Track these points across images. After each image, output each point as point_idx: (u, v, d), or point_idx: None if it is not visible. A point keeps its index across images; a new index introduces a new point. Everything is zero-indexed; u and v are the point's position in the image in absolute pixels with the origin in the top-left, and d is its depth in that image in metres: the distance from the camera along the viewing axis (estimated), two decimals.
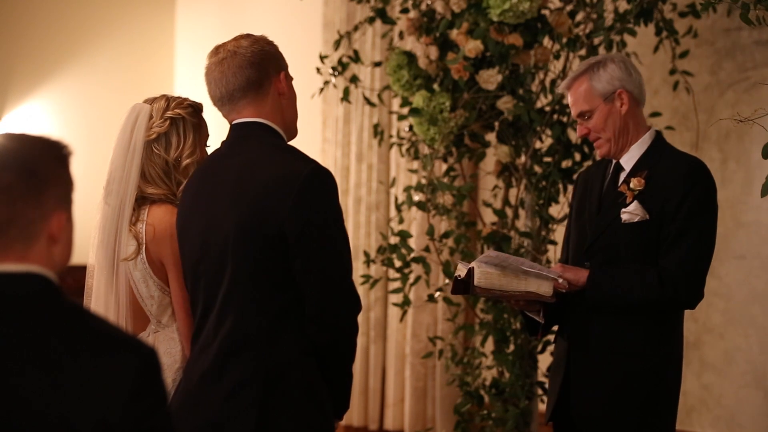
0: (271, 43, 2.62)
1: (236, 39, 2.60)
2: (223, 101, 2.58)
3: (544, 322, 3.14)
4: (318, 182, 2.44)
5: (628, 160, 3.09)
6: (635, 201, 3.00)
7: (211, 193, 2.54)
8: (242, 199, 2.46)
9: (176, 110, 2.79)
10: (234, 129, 2.59)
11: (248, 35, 2.61)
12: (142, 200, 2.75)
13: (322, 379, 2.49)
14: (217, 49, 2.60)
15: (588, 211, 3.14)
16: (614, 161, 3.13)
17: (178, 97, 2.83)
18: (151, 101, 2.82)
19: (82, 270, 2.83)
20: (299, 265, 2.42)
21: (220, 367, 2.46)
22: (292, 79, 2.64)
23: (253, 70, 2.55)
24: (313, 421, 2.46)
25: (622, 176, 3.08)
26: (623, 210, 3.01)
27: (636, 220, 2.99)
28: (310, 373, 2.46)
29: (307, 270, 2.42)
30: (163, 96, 2.83)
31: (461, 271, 3.00)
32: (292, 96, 2.63)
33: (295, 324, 2.45)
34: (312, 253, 2.42)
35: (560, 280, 2.96)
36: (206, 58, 2.61)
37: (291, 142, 2.66)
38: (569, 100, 3.16)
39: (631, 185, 3.02)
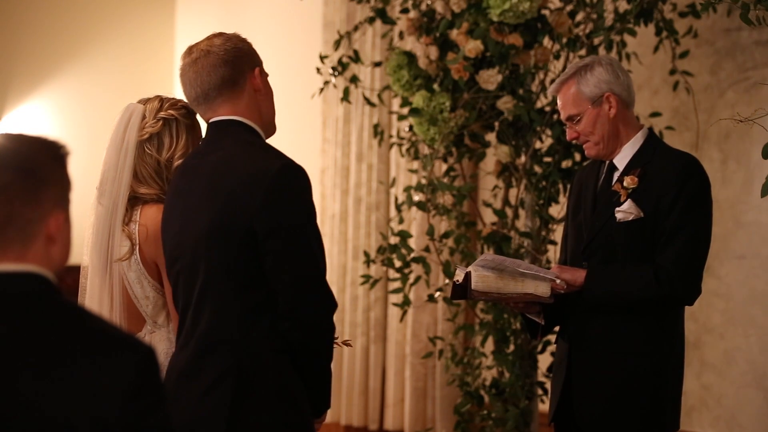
0: (244, 41, 2.61)
1: (209, 38, 2.59)
2: (199, 101, 2.58)
3: (545, 323, 3.14)
4: (288, 179, 2.43)
5: (621, 160, 3.09)
6: (629, 199, 3.00)
7: (187, 191, 2.54)
8: (215, 196, 2.46)
9: (169, 111, 2.79)
10: (211, 127, 2.59)
11: (221, 33, 2.60)
12: (134, 200, 2.75)
13: (297, 377, 2.47)
14: (190, 50, 2.59)
15: (583, 211, 3.14)
16: (608, 161, 3.14)
17: (172, 98, 2.83)
18: (145, 101, 2.82)
19: (80, 270, 2.84)
20: (270, 262, 2.41)
21: (195, 365, 2.47)
22: (267, 75, 2.63)
23: (227, 68, 2.54)
24: (285, 418, 2.45)
25: (616, 175, 3.08)
26: (617, 209, 3.01)
27: (631, 218, 2.99)
28: (283, 370, 2.45)
29: (277, 267, 2.42)
30: (157, 96, 2.83)
31: (459, 276, 3.00)
32: (268, 92, 2.62)
33: (268, 321, 2.45)
34: (282, 251, 2.41)
35: (558, 281, 2.96)
36: (180, 59, 2.60)
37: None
38: (558, 103, 3.17)
39: (625, 184, 3.02)
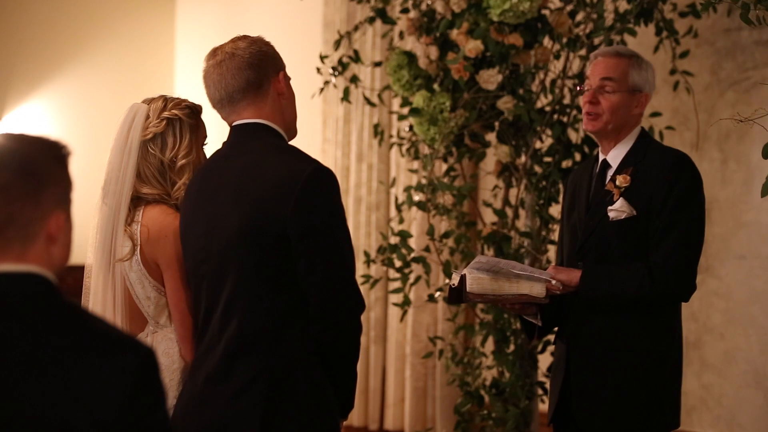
0: (268, 44, 2.62)
1: (233, 41, 2.60)
2: (222, 103, 2.58)
3: (542, 324, 3.14)
4: (320, 182, 2.44)
5: (614, 158, 3.09)
6: (621, 198, 3.00)
7: (213, 194, 2.54)
8: (244, 199, 2.46)
9: (173, 111, 2.78)
10: (235, 130, 2.59)
11: (245, 36, 2.61)
12: (137, 200, 2.75)
13: (326, 379, 2.49)
14: (214, 52, 2.60)
15: (578, 211, 3.15)
16: (600, 159, 3.13)
17: (176, 98, 2.83)
18: (149, 101, 2.82)
19: (82, 270, 2.84)
20: (302, 265, 2.43)
21: (225, 368, 2.47)
22: (290, 79, 2.64)
23: (252, 71, 2.55)
24: (317, 420, 2.47)
25: (609, 174, 3.08)
26: (610, 208, 3.02)
27: (623, 217, 3.00)
28: (314, 372, 2.47)
29: (309, 270, 2.43)
30: (161, 96, 2.83)
31: (454, 279, 3.01)
32: (291, 96, 2.64)
33: (299, 324, 2.46)
34: (314, 253, 2.42)
35: (553, 282, 2.96)
36: (204, 61, 2.61)
37: (291, 142, 2.66)
38: (597, 65, 3.12)
39: (618, 182, 3.03)
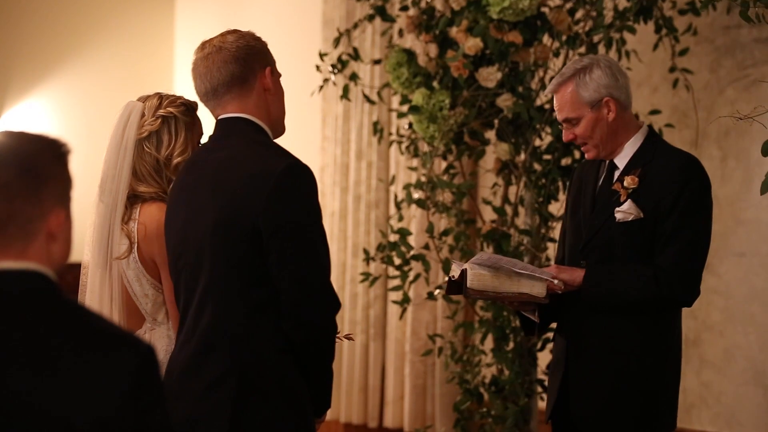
0: (257, 39, 2.61)
1: (222, 34, 2.59)
2: (208, 96, 2.58)
3: (540, 321, 3.13)
4: (294, 178, 2.43)
5: (621, 159, 3.07)
6: (629, 200, 2.98)
7: (192, 188, 2.54)
8: (220, 194, 2.46)
9: (168, 109, 2.78)
10: (219, 124, 2.59)
11: (235, 30, 2.60)
12: (134, 198, 2.75)
13: (299, 376, 2.47)
14: (203, 45, 2.59)
15: (582, 209, 3.13)
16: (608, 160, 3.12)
17: (172, 96, 2.83)
18: (144, 99, 2.81)
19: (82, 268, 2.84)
20: (273, 261, 2.41)
21: (198, 363, 2.46)
22: (279, 75, 2.63)
23: (237, 65, 2.54)
24: (288, 417, 2.45)
25: (616, 174, 3.06)
26: (617, 209, 2.99)
27: (630, 218, 2.98)
28: (286, 369, 2.45)
29: (280, 267, 2.41)
30: (157, 94, 2.82)
31: (455, 271, 3.00)
32: (278, 92, 2.62)
33: (272, 320, 2.44)
34: (285, 250, 2.41)
35: (555, 282, 2.95)
36: (193, 54, 2.61)
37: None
38: (555, 103, 3.11)
39: (625, 184, 3.00)
